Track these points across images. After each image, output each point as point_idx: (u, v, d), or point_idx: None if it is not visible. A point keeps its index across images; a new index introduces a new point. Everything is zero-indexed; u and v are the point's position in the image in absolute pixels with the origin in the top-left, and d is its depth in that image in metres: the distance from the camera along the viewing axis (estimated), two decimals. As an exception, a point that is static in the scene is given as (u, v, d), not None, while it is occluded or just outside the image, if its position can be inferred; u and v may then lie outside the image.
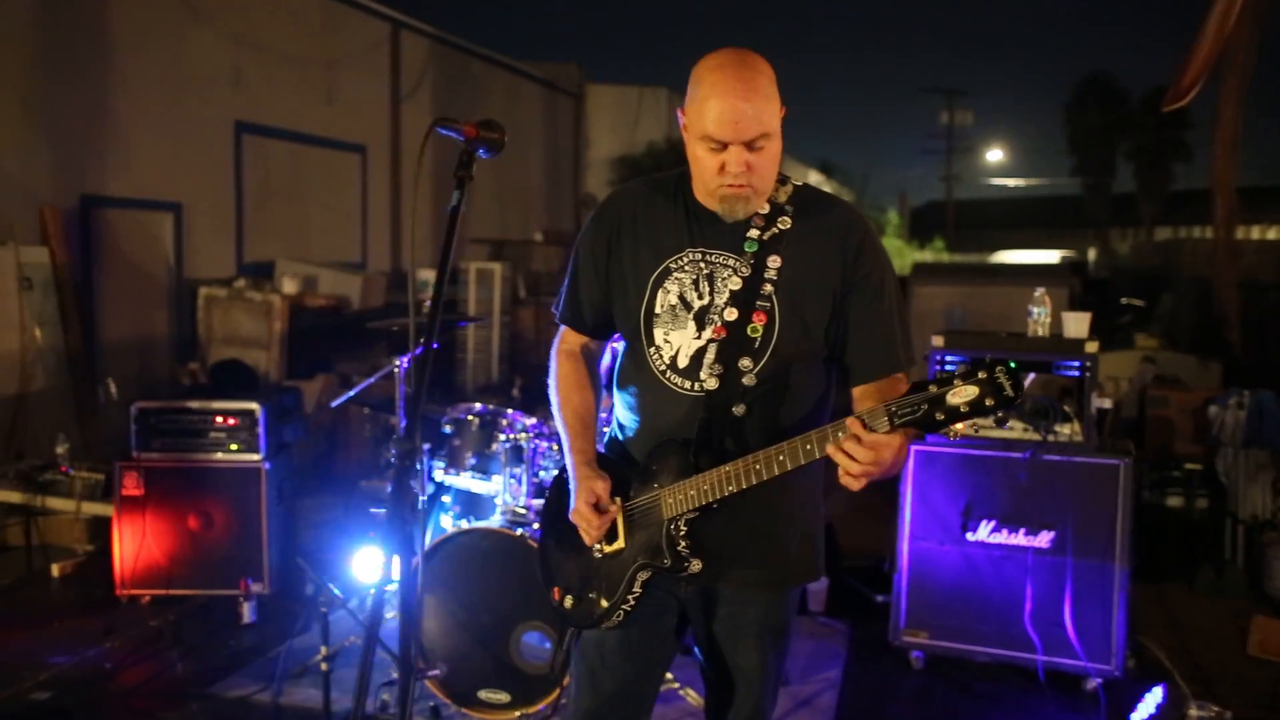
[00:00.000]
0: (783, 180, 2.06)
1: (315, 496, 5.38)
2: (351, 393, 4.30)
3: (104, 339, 7.66)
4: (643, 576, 2.01)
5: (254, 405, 4.37)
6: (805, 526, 2.10)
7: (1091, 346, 3.84)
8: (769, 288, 1.99)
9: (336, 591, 3.42)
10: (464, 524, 3.72)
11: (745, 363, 1.99)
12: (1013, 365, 1.66)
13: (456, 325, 8.98)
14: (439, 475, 3.87)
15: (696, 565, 1.99)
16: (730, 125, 1.88)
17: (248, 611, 4.24)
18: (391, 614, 3.83)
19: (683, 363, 2.02)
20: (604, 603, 2.03)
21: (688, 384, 2.01)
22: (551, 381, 2.22)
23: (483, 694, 3.42)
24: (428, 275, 11.11)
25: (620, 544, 2.02)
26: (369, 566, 3.82)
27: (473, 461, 3.81)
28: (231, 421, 4.38)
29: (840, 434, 1.77)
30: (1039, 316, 3.98)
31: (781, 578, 2.11)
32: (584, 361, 2.23)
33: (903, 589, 4.00)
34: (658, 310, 2.05)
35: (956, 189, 38.32)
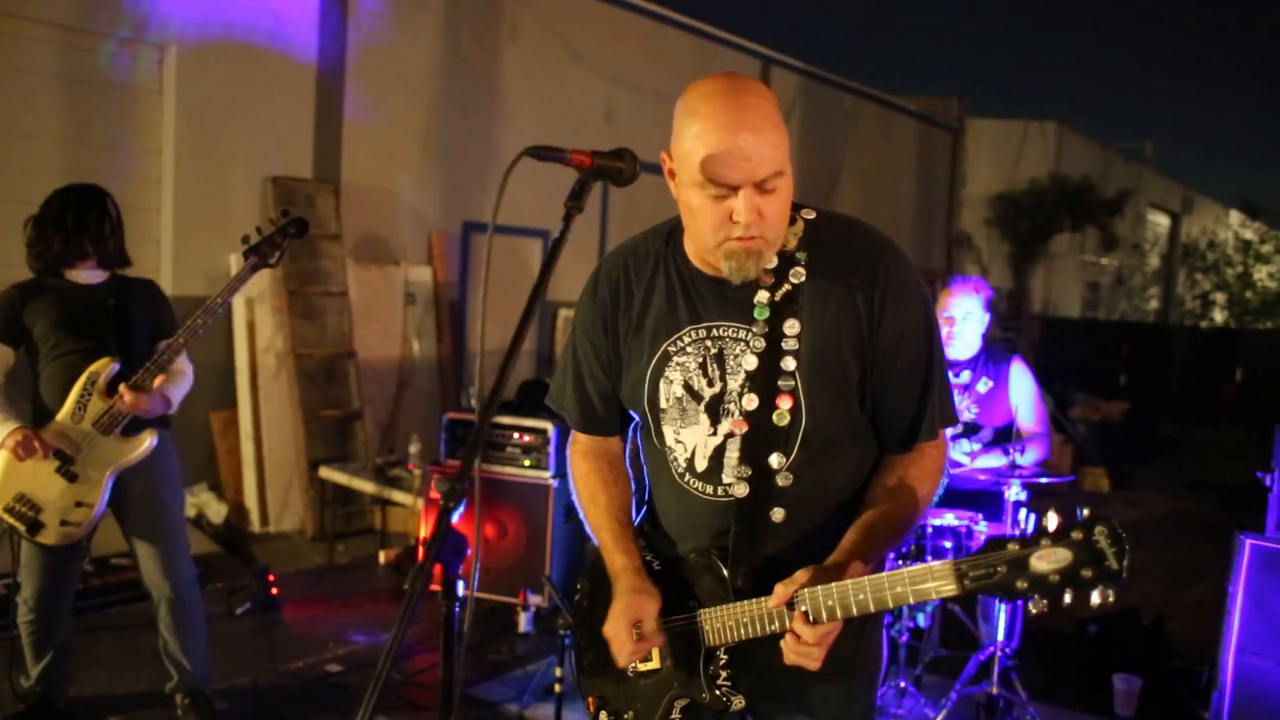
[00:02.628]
0: (790, 218, 1.67)
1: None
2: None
3: (472, 351, 8.46)
4: (680, 704, 1.73)
5: (547, 425, 4.60)
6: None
7: None
8: (790, 362, 1.63)
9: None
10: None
11: (776, 459, 1.64)
12: (1116, 525, 1.32)
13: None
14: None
15: (740, 702, 1.69)
16: (736, 163, 1.52)
17: (524, 621, 4.47)
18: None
19: (701, 465, 1.70)
20: None
21: (711, 489, 1.69)
22: (573, 485, 1.92)
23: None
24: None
25: (655, 664, 1.74)
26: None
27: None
28: (527, 439, 4.64)
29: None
30: None
31: (830, 668, 1.68)
32: (604, 459, 1.90)
33: (1224, 710, 3.36)
34: (663, 405, 1.72)
35: None
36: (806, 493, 1.67)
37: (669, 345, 1.71)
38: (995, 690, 3.53)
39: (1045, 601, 1.38)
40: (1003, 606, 3.59)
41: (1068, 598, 1.36)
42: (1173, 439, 12.02)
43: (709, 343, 1.69)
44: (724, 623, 1.65)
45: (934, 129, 14.76)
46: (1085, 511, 1.37)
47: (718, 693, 1.69)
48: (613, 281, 1.79)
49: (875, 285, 1.64)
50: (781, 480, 1.66)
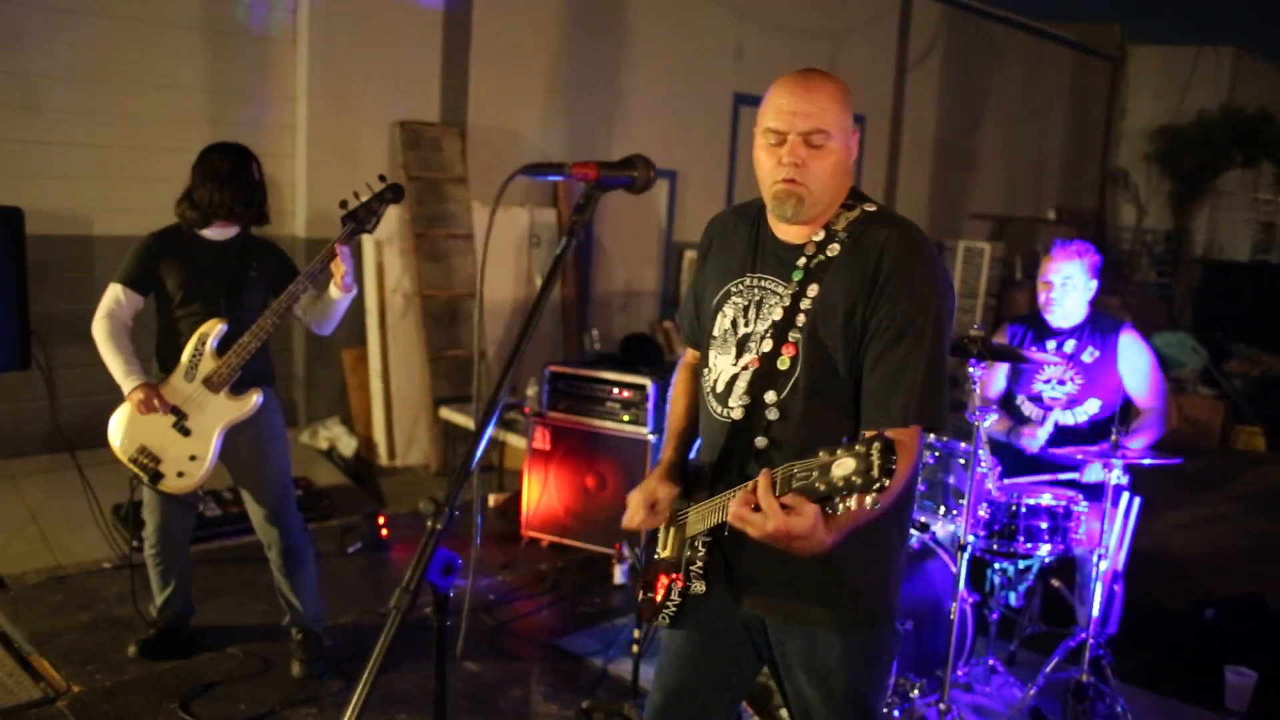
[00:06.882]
0: (850, 205, 1.98)
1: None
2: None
3: (596, 292, 8.53)
4: (677, 586, 2.04)
5: (646, 381, 4.62)
6: (847, 563, 1.93)
7: None
8: (802, 319, 1.94)
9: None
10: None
11: (770, 395, 1.96)
12: (891, 446, 1.50)
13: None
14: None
15: (699, 587, 2.01)
16: (786, 114, 1.88)
17: (619, 573, 4.55)
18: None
19: (719, 388, 2.04)
20: (655, 603, 2.10)
21: (720, 409, 2.03)
22: (670, 390, 2.33)
23: (783, 712, 3.35)
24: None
25: (669, 552, 2.09)
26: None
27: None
28: (626, 394, 4.68)
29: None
30: None
31: (815, 615, 1.99)
32: (695, 375, 2.25)
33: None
34: (715, 333, 2.07)
35: None
36: (788, 430, 1.96)
37: (730, 285, 2.06)
38: (1086, 677, 3.42)
39: (852, 500, 1.54)
40: (1099, 589, 3.45)
41: (851, 503, 1.54)
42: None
43: (756, 290, 2.02)
44: (699, 515, 2.01)
45: (1091, 58, 13.84)
46: (882, 432, 1.56)
47: (687, 575, 2.01)
48: (715, 231, 2.19)
49: (883, 264, 1.89)
50: (770, 414, 1.96)
